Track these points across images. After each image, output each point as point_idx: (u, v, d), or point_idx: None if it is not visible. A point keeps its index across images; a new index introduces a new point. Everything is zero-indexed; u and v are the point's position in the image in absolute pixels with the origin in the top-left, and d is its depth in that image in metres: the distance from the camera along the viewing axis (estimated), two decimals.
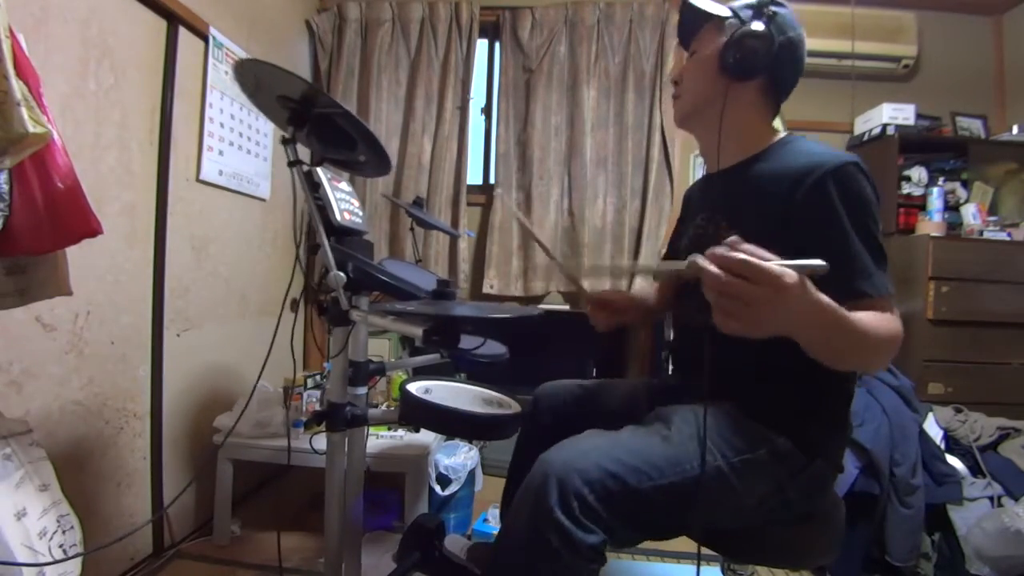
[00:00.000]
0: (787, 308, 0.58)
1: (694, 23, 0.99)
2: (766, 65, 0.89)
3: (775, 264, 0.56)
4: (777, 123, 0.99)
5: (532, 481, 0.75)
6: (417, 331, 0.87)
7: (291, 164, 0.97)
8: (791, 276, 0.56)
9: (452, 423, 0.99)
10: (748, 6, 0.91)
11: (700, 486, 0.78)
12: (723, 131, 0.94)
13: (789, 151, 0.90)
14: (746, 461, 0.83)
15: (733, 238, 0.58)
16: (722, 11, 0.93)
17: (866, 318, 0.72)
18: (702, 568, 1.54)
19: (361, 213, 1.12)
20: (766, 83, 0.93)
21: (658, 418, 0.91)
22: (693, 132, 1.04)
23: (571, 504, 0.71)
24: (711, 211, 0.99)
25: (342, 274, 0.96)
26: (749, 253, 0.56)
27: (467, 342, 0.92)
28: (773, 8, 0.88)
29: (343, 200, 1.06)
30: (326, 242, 0.97)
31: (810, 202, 0.82)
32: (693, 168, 2.52)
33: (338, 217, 1.02)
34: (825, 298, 0.63)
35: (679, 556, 1.64)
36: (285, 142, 0.97)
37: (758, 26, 0.86)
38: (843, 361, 0.74)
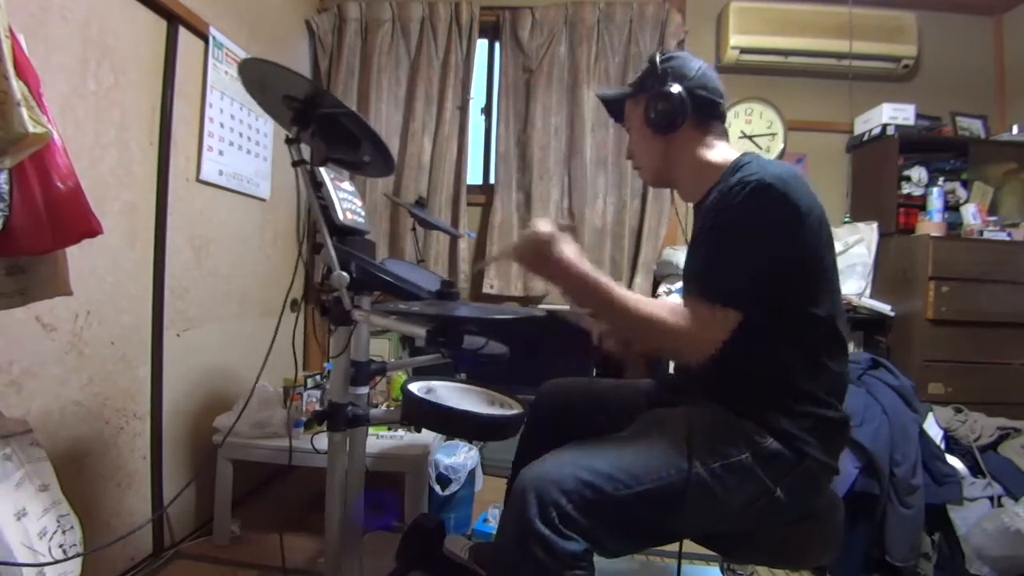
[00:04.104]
0: (543, 252, 0.84)
1: (615, 107, 1.11)
2: (685, 110, 0.97)
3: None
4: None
5: (513, 497, 0.78)
6: (420, 331, 0.87)
7: (295, 164, 0.97)
8: (539, 225, 0.85)
9: (455, 423, 0.99)
10: (645, 74, 1.02)
11: (681, 493, 0.80)
12: (682, 174, 1.04)
13: (732, 172, 0.93)
14: (728, 466, 0.84)
15: (533, 222, 0.85)
16: (624, 91, 1.08)
17: (651, 300, 0.87)
18: (702, 568, 1.56)
19: (363, 213, 1.12)
20: (695, 120, 0.99)
21: (643, 424, 0.94)
22: (669, 187, 1.16)
23: (550, 514, 0.74)
24: (693, 244, 1.05)
25: (345, 274, 0.96)
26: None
27: (469, 342, 0.92)
28: (666, 65, 0.98)
29: (346, 200, 1.06)
30: (329, 242, 0.97)
31: (719, 213, 0.88)
32: None
33: (341, 217, 1.02)
34: (585, 264, 0.85)
35: (677, 556, 1.63)
36: (289, 142, 0.96)
37: (673, 88, 0.96)
38: (619, 327, 0.91)
